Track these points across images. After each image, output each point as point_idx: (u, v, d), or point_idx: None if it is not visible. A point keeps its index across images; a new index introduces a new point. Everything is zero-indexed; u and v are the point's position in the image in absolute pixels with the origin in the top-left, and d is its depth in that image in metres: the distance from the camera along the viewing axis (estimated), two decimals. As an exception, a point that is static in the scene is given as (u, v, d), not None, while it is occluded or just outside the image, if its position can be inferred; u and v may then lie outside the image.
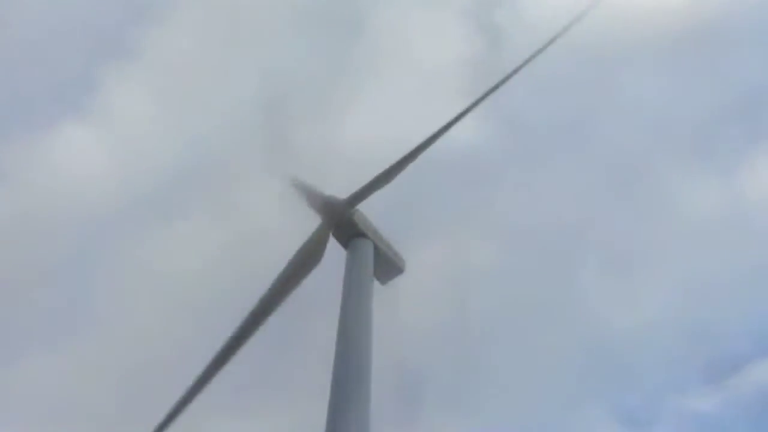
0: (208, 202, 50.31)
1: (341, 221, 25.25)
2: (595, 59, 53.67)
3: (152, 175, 53.69)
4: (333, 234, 25.55)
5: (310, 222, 26.29)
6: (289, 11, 56.01)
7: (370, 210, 26.64)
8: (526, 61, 29.10)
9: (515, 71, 28.90)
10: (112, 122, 56.08)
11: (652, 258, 54.51)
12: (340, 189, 26.90)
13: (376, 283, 25.55)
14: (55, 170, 53.40)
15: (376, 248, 25.28)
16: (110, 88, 56.53)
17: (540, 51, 29.49)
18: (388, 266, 25.86)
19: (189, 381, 26.08)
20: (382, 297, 25.60)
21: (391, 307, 26.99)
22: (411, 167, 26.76)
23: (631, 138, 54.08)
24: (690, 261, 53.92)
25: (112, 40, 56.83)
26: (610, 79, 52.05)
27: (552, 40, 29.80)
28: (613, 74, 52.28)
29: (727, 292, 52.78)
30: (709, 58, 56.01)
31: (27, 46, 53.48)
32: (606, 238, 54.21)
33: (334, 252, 25.90)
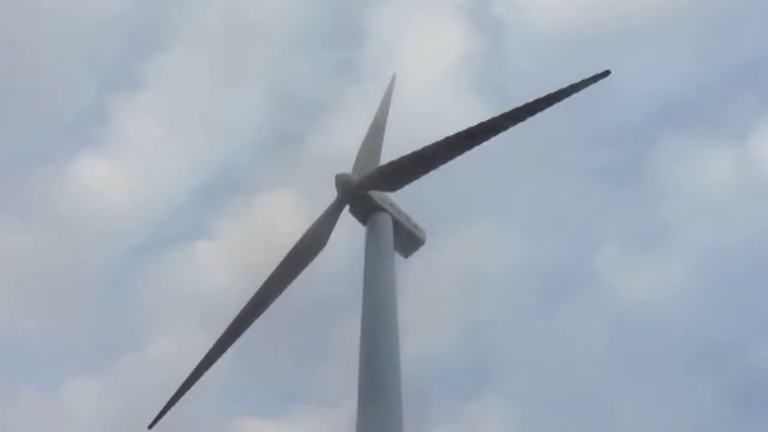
0: (228, 219, 51.00)
1: (356, 196, 25.01)
2: (599, 31, 53.97)
3: (171, 198, 54.64)
4: (350, 211, 25.36)
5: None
6: (291, 26, 56.93)
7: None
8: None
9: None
10: (127, 151, 57.10)
11: (670, 234, 54.61)
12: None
13: (399, 257, 25.24)
14: (76, 202, 54.44)
15: (395, 221, 24.98)
16: (122, 118, 57.65)
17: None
18: (408, 239, 25.58)
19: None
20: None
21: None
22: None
23: (640, 113, 54.31)
24: (707, 232, 53.96)
25: (119, 71, 58.09)
26: (613, 55, 52.28)
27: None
28: (617, 49, 52.53)
29: (747, 262, 52.71)
30: (714, 25, 56.06)
31: (39, 82, 54.73)
32: (623, 218, 54.40)
33: (357, 241, 25.67)
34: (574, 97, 22.94)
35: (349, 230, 25.71)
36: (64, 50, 56.37)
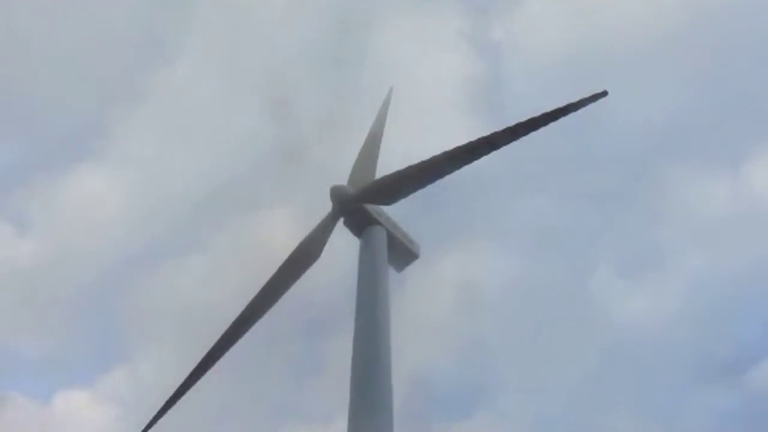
0: (226, 234, 50.76)
1: (351, 209, 24.85)
2: (597, 58, 54.05)
3: (167, 211, 54.40)
4: (345, 224, 25.12)
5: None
6: (293, 43, 57.00)
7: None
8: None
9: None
10: (126, 163, 56.94)
11: (664, 259, 54.68)
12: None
13: (392, 272, 24.86)
14: (73, 213, 54.31)
15: (389, 235, 24.77)
16: (122, 130, 57.53)
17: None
18: (403, 252, 25.39)
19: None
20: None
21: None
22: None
23: (637, 139, 54.30)
24: (702, 257, 54.03)
25: (121, 84, 58.08)
26: (609, 81, 52.07)
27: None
28: (613, 75, 52.63)
29: (740, 287, 52.83)
30: (711, 54, 56.20)
31: (41, 94, 54.73)
32: (618, 242, 54.40)
33: (351, 254, 25.54)
34: (572, 120, 22.86)
35: (343, 243, 25.47)
36: (65, 63, 56.45)
